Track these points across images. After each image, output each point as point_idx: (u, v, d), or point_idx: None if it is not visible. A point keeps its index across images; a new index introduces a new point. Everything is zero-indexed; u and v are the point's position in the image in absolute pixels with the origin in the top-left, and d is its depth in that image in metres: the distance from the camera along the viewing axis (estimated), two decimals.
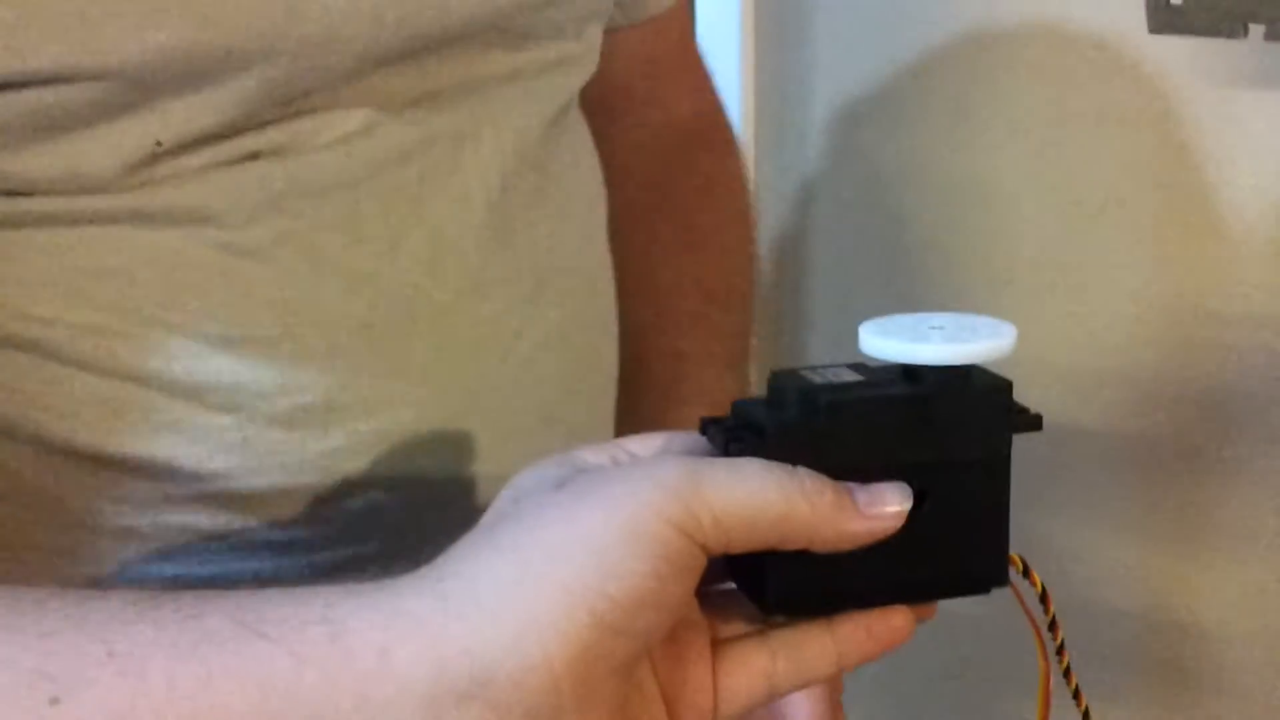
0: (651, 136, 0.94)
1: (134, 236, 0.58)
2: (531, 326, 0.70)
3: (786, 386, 0.52)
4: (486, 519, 0.50)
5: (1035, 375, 1.36)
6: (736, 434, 0.51)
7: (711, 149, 0.96)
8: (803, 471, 0.49)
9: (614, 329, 0.80)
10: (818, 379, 0.53)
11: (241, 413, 0.61)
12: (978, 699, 1.36)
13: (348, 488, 0.63)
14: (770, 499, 0.48)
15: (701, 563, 0.48)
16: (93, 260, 0.58)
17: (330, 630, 0.46)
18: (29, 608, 0.47)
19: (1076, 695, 0.59)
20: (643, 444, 0.54)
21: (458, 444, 0.68)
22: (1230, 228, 1.23)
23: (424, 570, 0.48)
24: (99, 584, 0.62)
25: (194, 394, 0.60)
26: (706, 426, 0.53)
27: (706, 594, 0.53)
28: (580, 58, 0.75)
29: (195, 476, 0.60)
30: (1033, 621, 0.56)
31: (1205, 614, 1.32)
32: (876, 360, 0.53)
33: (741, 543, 0.48)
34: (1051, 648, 0.57)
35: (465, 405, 0.68)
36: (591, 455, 0.53)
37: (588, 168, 0.79)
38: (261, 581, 0.63)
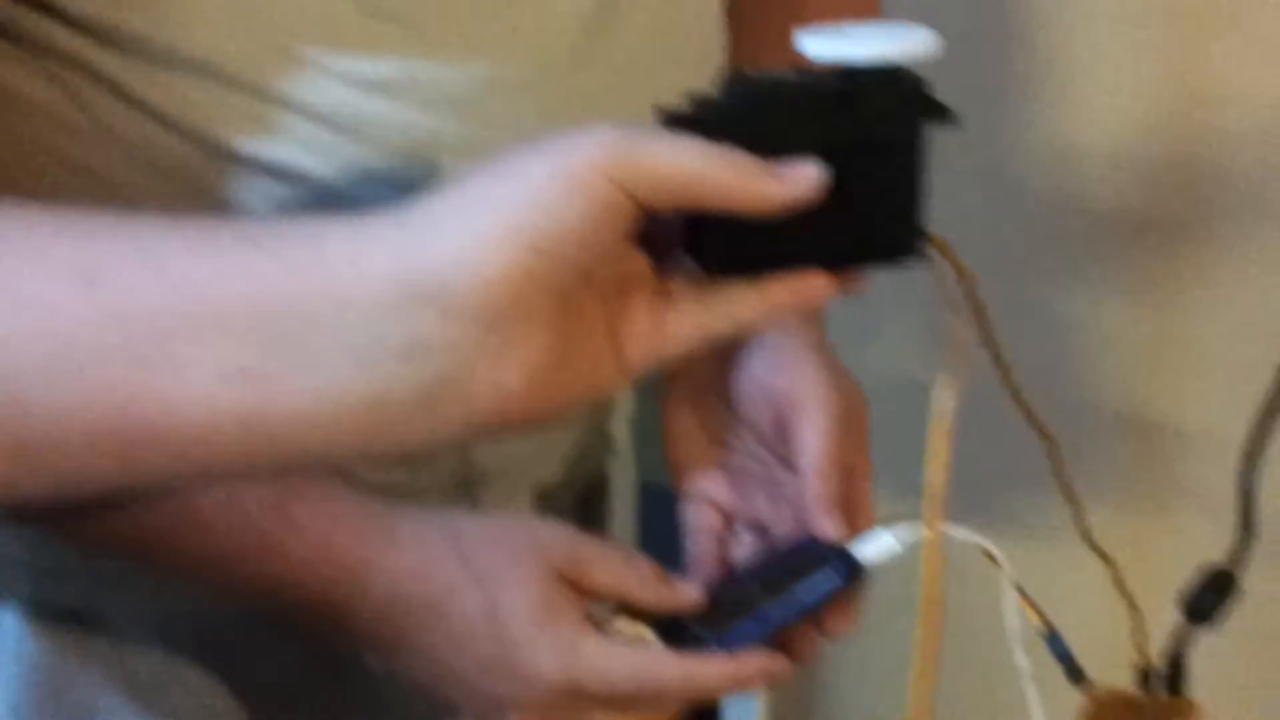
0: None
1: None
2: (635, 90, 0.77)
3: (732, 80, 0.62)
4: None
5: (1045, 158, 1.43)
6: (678, 116, 0.60)
7: None
8: (727, 145, 0.59)
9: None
10: (757, 75, 0.61)
11: (365, 140, 0.70)
12: None
13: None
14: (695, 162, 0.58)
15: (630, 213, 0.58)
16: (253, 3, 0.67)
17: (313, 245, 0.57)
18: (73, 217, 0.58)
19: (1005, 372, 0.68)
20: None
21: None
22: (1227, 20, 1.29)
23: (398, 207, 0.58)
24: None
25: (327, 119, 0.69)
26: (659, 112, 0.61)
27: (659, 255, 0.63)
28: None
29: (317, 187, 0.70)
30: (947, 300, 0.65)
31: (1195, 415, 1.40)
32: (818, 61, 0.61)
33: (669, 199, 0.58)
34: (972, 321, 0.66)
35: None
36: None
37: None
38: None
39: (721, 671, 0.75)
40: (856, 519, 0.79)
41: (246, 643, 0.87)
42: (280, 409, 0.57)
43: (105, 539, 0.74)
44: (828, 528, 0.77)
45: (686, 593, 0.78)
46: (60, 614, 0.84)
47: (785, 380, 0.81)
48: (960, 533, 0.73)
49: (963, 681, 1.27)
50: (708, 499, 0.83)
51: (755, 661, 0.75)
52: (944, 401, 0.66)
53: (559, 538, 0.77)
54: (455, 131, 0.72)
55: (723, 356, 0.84)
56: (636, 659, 0.75)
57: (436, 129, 0.71)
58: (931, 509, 0.69)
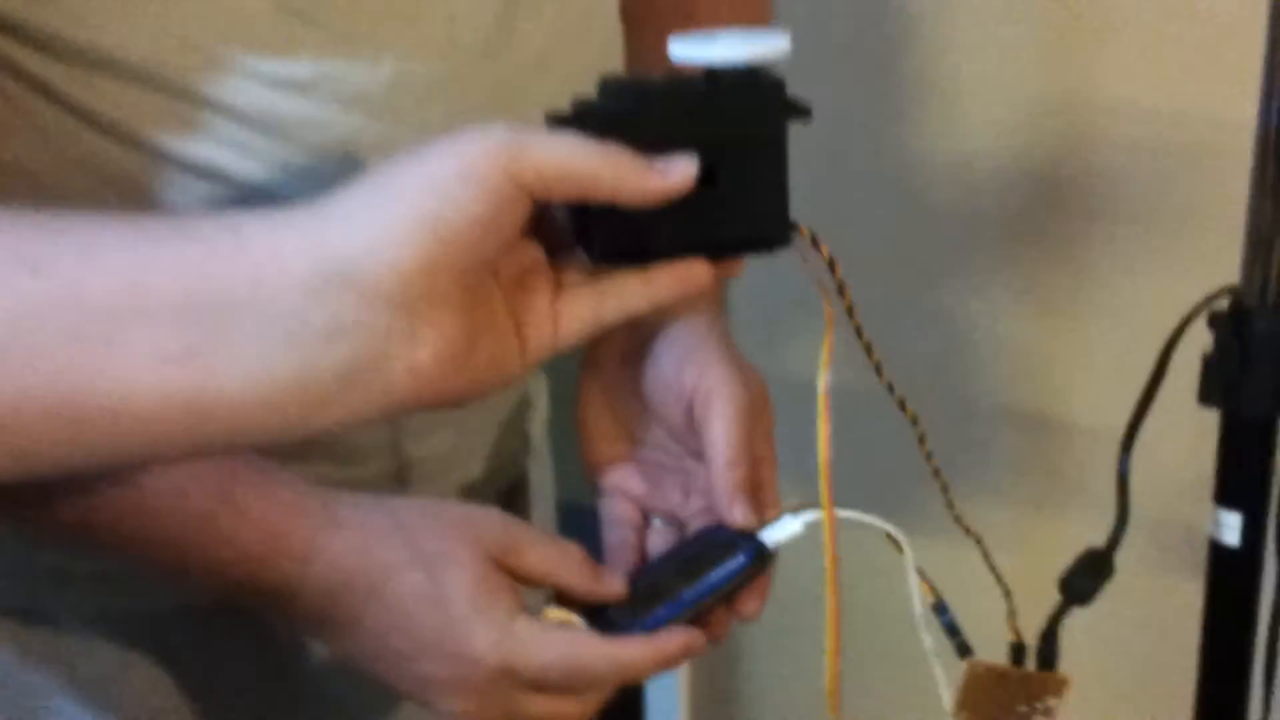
0: None
1: None
2: (540, 87, 0.81)
3: (608, 84, 0.68)
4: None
5: (942, 167, 1.47)
6: (562, 118, 0.67)
7: None
8: (609, 143, 0.65)
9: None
10: (632, 79, 0.67)
11: (284, 139, 0.74)
12: None
13: None
14: (579, 156, 0.64)
15: (524, 204, 0.64)
16: (178, 9, 0.71)
17: (235, 234, 0.62)
18: (17, 213, 0.62)
19: (868, 350, 0.74)
20: None
21: None
22: (1106, 35, 1.35)
23: (313, 201, 0.63)
24: None
25: (248, 119, 0.73)
26: (546, 116, 0.67)
27: (554, 250, 0.69)
28: None
29: (247, 184, 0.74)
30: (819, 283, 0.71)
31: (1078, 409, 1.46)
32: (684, 64, 0.67)
33: (557, 190, 0.64)
34: (840, 306, 0.72)
35: None
36: None
37: None
38: None
39: (645, 652, 0.77)
40: (764, 505, 0.82)
41: (190, 640, 0.89)
42: (216, 389, 0.61)
43: (57, 529, 0.77)
44: (737, 515, 0.80)
45: (612, 583, 0.80)
46: (7, 613, 0.87)
47: (693, 376, 0.84)
48: (861, 517, 0.78)
49: (873, 661, 1.33)
50: (623, 493, 0.87)
51: (675, 640, 0.78)
52: (822, 376, 0.72)
53: (494, 523, 0.79)
54: (370, 128, 0.76)
55: (633, 356, 0.87)
56: (567, 641, 0.77)
57: (352, 126, 0.76)
58: (824, 479, 0.75)
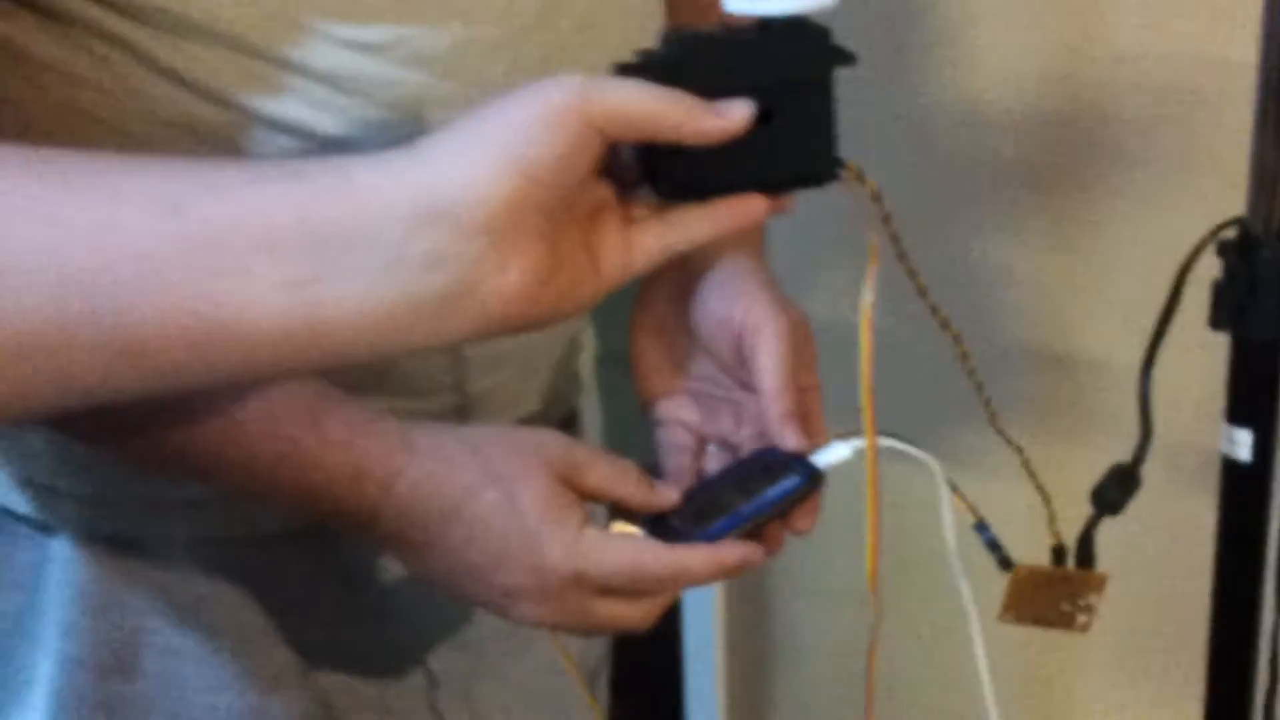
0: None
1: None
2: (588, 50, 0.87)
3: (670, 35, 0.74)
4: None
5: (957, 113, 1.53)
6: (630, 66, 0.73)
7: None
8: (672, 88, 0.71)
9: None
10: (691, 31, 0.74)
11: (360, 96, 0.80)
12: None
13: None
14: (645, 100, 0.70)
15: (597, 143, 0.70)
16: None
17: (343, 174, 0.68)
18: (150, 161, 0.68)
19: (912, 275, 0.80)
20: None
21: None
22: None
23: (411, 145, 0.69)
24: None
25: (328, 78, 0.79)
26: (614, 65, 0.73)
27: (623, 187, 0.75)
28: None
29: (326, 138, 0.80)
30: (864, 217, 0.77)
31: (1098, 341, 1.51)
32: (738, 14, 0.73)
33: (627, 132, 0.70)
34: (885, 235, 0.78)
35: None
36: None
37: None
38: None
39: (705, 559, 0.82)
40: (812, 429, 0.87)
41: (270, 564, 0.95)
42: (329, 312, 0.67)
43: (161, 458, 0.82)
44: (789, 439, 0.85)
45: (667, 494, 0.85)
46: (106, 540, 0.92)
47: (740, 311, 0.89)
48: (901, 445, 0.84)
49: (911, 585, 1.39)
50: (678, 421, 0.92)
51: (735, 551, 0.82)
52: (866, 296, 0.77)
53: (559, 444, 0.84)
54: (436, 86, 0.81)
55: (682, 294, 0.92)
56: (632, 549, 0.81)
57: (420, 84, 0.81)
58: (866, 394, 0.80)
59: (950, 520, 0.87)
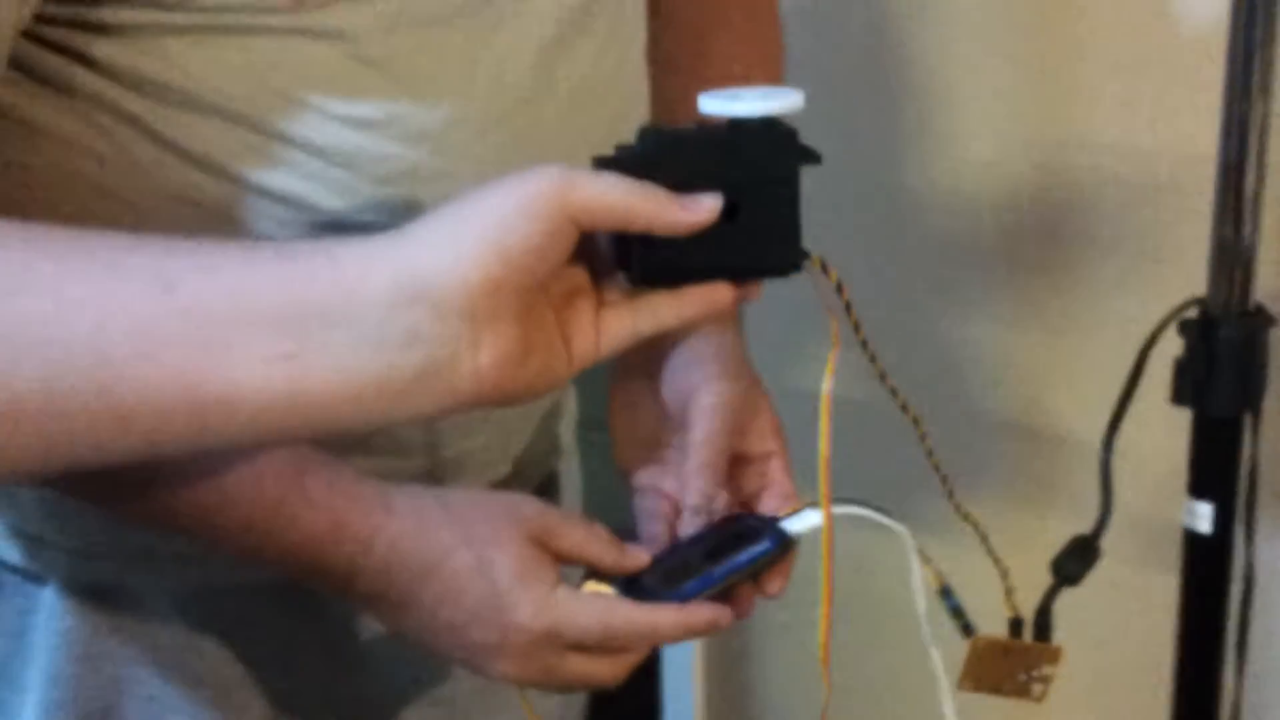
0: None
1: (290, 44, 0.79)
2: (575, 126, 0.90)
3: (646, 132, 0.77)
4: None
5: (939, 200, 1.56)
6: (607, 160, 0.76)
7: (753, 12, 1.12)
8: (646, 182, 0.74)
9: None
10: (667, 129, 0.77)
11: (354, 170, 0.82)
12: None
13: None
14: (619, 193, 0.73)
15: (572, 232, 0.72)
16: (262, 58, 0.79)
17: (330, 258, 0.71)
18: (147, 239, 0.71)
19: (873, 360, 0.83)
20: None
21: None
22: (1087, 68, 1.42)
23: (396, 230, 0.72)
24: None
25: (323, 153, 0.81)
26: (593, 159, 0.77)
27: (597, 273, 0.77)
28: None
29: (320, 210, 0.82)
30: (826, 305, 0.80)
31: (1065, 415, 1.54)
32: (710, 116, 0.77)
33: (602, 223, 0.73)
34: (847, 323, 0.81)
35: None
36: None
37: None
38: None
39: (674, 619, 0.84)
40: (778, 493, 0.91)
41: (256, 615, 0.97)
42: (312, 386, 0.70)
43: (149, 515, 0.85)
44: (693, 491, 0.89)
45: (636, 556, 0.87)
46: (92, 590, 0.94)
47: (687, 380, 0.93)
48: (867, 513, 0.86)
49: (878, 649, 1.40)
50: (654, 489, 0.94)
51: (703, 612, 0.84)
52: (825, 383, 0.80)
53: (533, 508, 0.86)
54: (430, 162, 0.84)
55: (653, 369, 0.96)
56: (603, 608, 0.83)
57: (413, 160, 0.83)
58: (823, 470, 0.83)
59: (920, 587, 0.90)
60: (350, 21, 0.80)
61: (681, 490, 0.93)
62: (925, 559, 0.89)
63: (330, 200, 0.82)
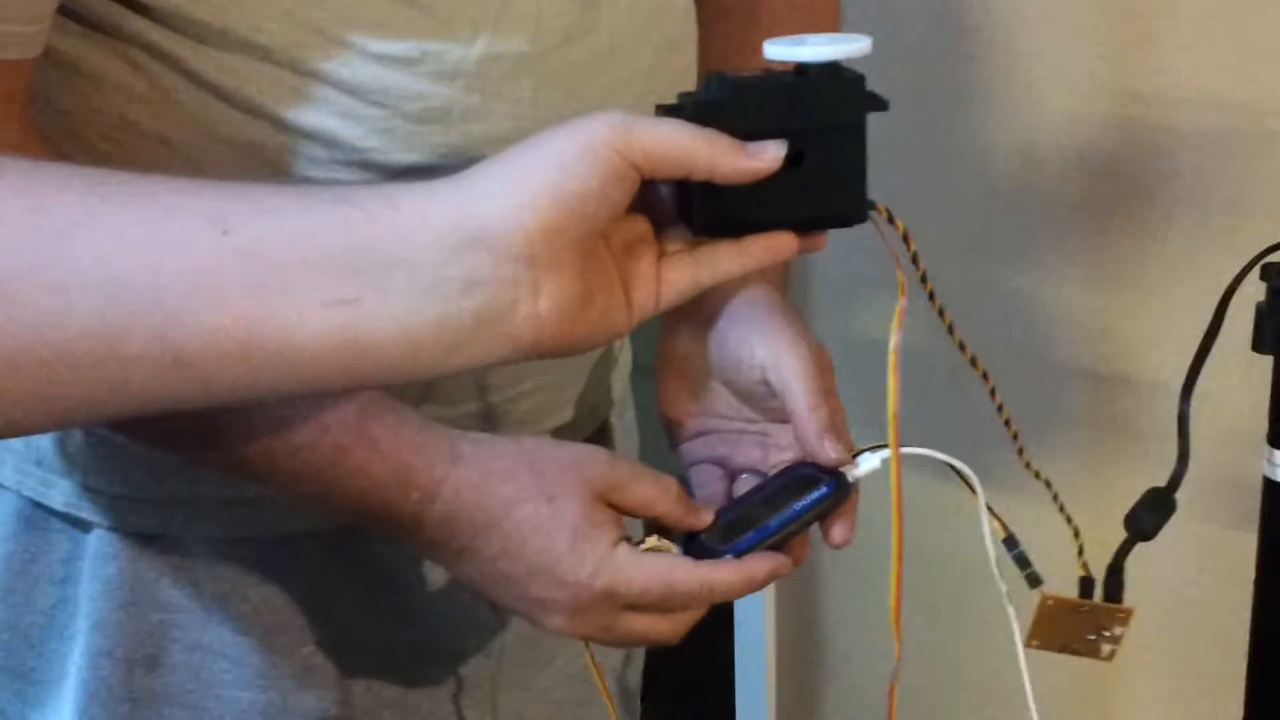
0: None
1: None
2: (613, 70, 0.89)
3: (710, 79, 0.75)
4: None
5: (1014, 154, 1.54)
6: (670, 107, 0.74)
7: None
8: (708, 129, 0.72)
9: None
10: (731, 75, 0.74)
11: (388, 108, 0.82)
12: None
13: (457, 168, 0.85)
14: (681, 139, 0.71)
15: (633, 177, 0.71)
16: None
17: (389, 201, 0.70)
18: (205, 183, 0.70)
19: (941, 313, 0.80)
20: None
21: None
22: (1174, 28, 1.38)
23: (454, 175, 0.71)
24: None
25: (358, 91, 0.81)
26: (657, 106, 0.75)
27: (659, 222, 0.76)
28: None
29: (354, 148, 0.82)
30: (894, 254, 0.77)
31: (1141, 367, 1.51)
32: (775, 62, 0.74)
33: (663, 169, 0.71)
34: (914, 275, 0.78)
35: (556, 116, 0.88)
36: None
37: None
38: None
39: (733, 576, 0.83)
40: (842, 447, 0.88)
41: (294, 561, 0.96)
42: (370, 331, 0.69)
43: (215, 462, 0.85)
44: (829, 450, 0.85)
45: (703, 515, 0.86)
46: (137, 536, 0.95)
47: (761, 346, 0.88)
48: (933, 454, 0.84)
49: (947, 599, 1.39)
50: (707, 459, 0.92)
51: (762, 564, 0.84)
52: (893, 338, 0.78)
53: (600, 461, 0.85)
54: (464, 100, 0.83)
55: (701, 332, 0.92)
56: (662, 566, 0.83)
57: (449, 97, 0.83)
58: (893, 427, 0.80)
59: (990, 537, 0.88)
60: None
61: (739, 459, 0.91)
62: (990, 509, 0.87)
63: (366, 139, 0.82)
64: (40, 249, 0.67)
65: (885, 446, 0.84)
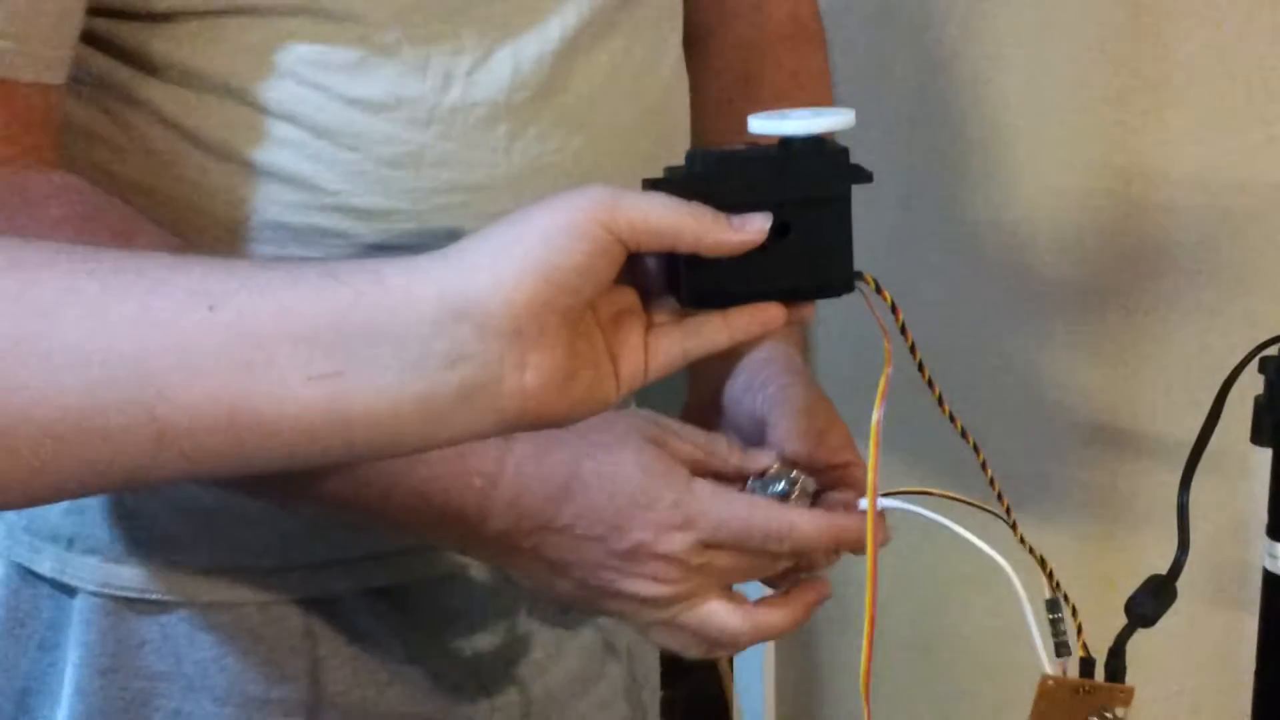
0: (753, 32, 1.12)
1: (301, 25, 0.80)
2: (590, 126, 0.90)
3: (695, 153, 0.75)
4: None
5: (1006, 228, 1.54)
6: (655, 181, 0.74)
7: (798, 48, 1.14)
8: (694, 202, 0.72)
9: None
10: (715, 149, 0.75)
11: (360, 151, 0.83)
12: None
13: (429, 214, 0.85)
14: (666, 213, 0.71)
15: (619, 251, 0.71)
16: (272, 37, 0.80)
17: (376, 276, 0.69)
18: (192, 259, 0.71)
19: (930, 384, 0.80)
20: None
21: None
22: (1168, 101, 1.39)
23: (440, 250, 0.71)
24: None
25: (329, 134, 0.82)
26: (642, 180, 0.75)
27: (647, 294, 0.76)
28: None
29: (325, 191, 0.83)
30: (881, 324, 0.77)
31: (1142, 455, 1.51)
32: (760, 136, 0.74)
33: (649, 243, 0.71)
34: (904, 346, 0.78)
35: (528, 176, 0.88)
36: None
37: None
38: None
39: (820, 525, 0.83)
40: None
41: (274, 630, 0.97)
42: (354, 405, 0.69)
43: (274, 483, 0.86)
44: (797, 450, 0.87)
45: (760, 457, 0.87)
46: (119, 602, 0.95)
47: (760, 397, 0.92)
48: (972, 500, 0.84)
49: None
50: None
51: (853, 521, 0.84)
52: (878, 408, 0.77)
53: (644, 415, 0.87)
54: (436, 145, 0.84)
55: (713, 390, 0.95)
56: (743, 502, 0.83)
57: (420, 142, 0.84)
58: (871, 503, 0.80)
59: (1028, 606, 0.87)
60: (365, 5, 0.81)
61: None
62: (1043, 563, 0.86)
63: (337, 183, 0.84)
64: (26, 325, 0.67)
65: (907, 492, 0.83)
